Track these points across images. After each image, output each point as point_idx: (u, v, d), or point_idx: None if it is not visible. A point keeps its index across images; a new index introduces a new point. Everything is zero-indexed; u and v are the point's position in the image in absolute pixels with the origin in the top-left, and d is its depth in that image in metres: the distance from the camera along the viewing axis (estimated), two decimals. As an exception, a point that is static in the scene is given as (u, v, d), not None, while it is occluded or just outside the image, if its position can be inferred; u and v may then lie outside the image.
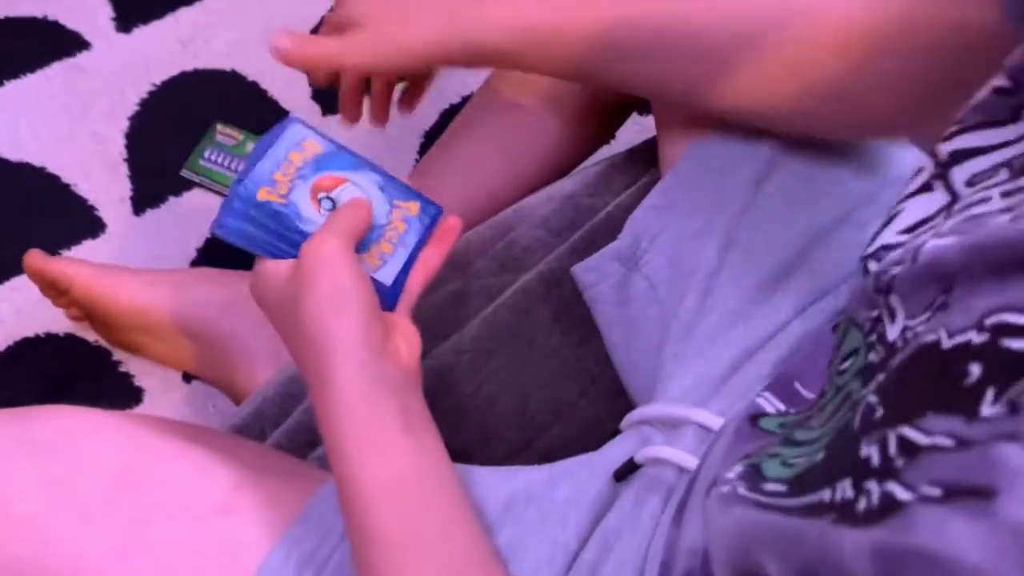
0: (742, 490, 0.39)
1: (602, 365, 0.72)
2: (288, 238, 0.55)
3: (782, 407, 0.48)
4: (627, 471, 0.55)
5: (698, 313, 0.64)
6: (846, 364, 0.44)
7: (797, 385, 0.49)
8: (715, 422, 0.55)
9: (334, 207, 0.56)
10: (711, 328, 0.63)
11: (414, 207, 0.59)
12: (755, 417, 0.47)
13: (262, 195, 0.55)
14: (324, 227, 0.54)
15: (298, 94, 1.11)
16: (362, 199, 0.56)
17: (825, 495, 0.34)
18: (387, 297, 0.56)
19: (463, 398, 0.72)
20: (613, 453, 0.58)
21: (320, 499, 0.56)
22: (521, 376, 0.73)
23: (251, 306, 0.93)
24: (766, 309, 0.62)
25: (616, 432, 0.65)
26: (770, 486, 0.39)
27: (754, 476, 0.40)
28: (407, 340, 0.54)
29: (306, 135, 0.57)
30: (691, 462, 0.53)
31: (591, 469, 0.57)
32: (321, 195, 0.56)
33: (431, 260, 0.59)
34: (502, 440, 0.72)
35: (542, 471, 0.58)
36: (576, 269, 0.72)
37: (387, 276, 0.57)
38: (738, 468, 0.41)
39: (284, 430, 0.73)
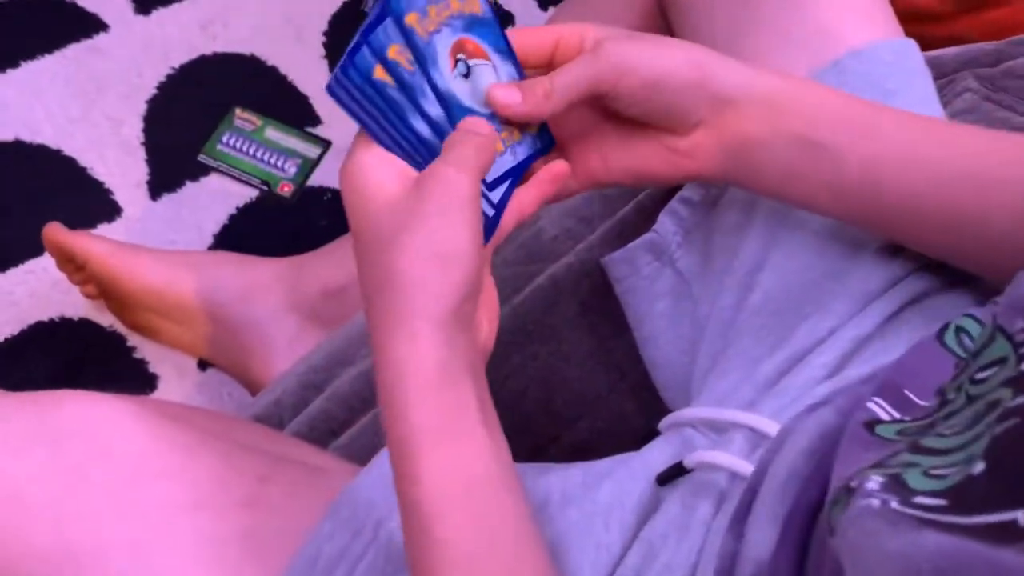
0: (895, 504, 0.36)
1: (632, 360, 0.70)
2: (413, 97, 0.49)
3: (896, 414, 0.46)
4: (674, 475, 0.53)
5: (738, 311, 0.62)
6: (986, 373, 0.42)
7: (908, 392, 0.47)
8: (769, 427, 0.52)
9: (468, 75, 0.51)
10: (754, 327, 0.61)
11: (534, 125, 0.54)
12: (871, 424, 0.45)
13: (411, 20, 0.49)
14: (460, 154, 0.47)
15: (319, 79, 1.09)
16: (492, 137, 0.50)
17: (1018, 516, 0.32)
18: (484, 226, 0.50)
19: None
20: (653, 455, 0.56)
21: (350, 493, 0.53)
22: (548, 369, 0.71)
23: (270, 293, 0.92)
24: (814, 309, 0.59)
25: (646, 428, 0.63)
26: (924, 500, 0.36)
27: (900, 488, 0.37)
28: (489, 314, 0.49)
29: None
30: (746, 468, 0.51)
31: (631, 471, 0.55)
32: (460, 56, 0.51)
33: (527, 203, 0.52)
34: (529, 434, 0.70)
35: (575, 470, 0.56)
36: (607, 260, 0.70)
37: (492, 197, 0.51)
38: (876, 478, 0.38)
39: (305, 418, 0.72)
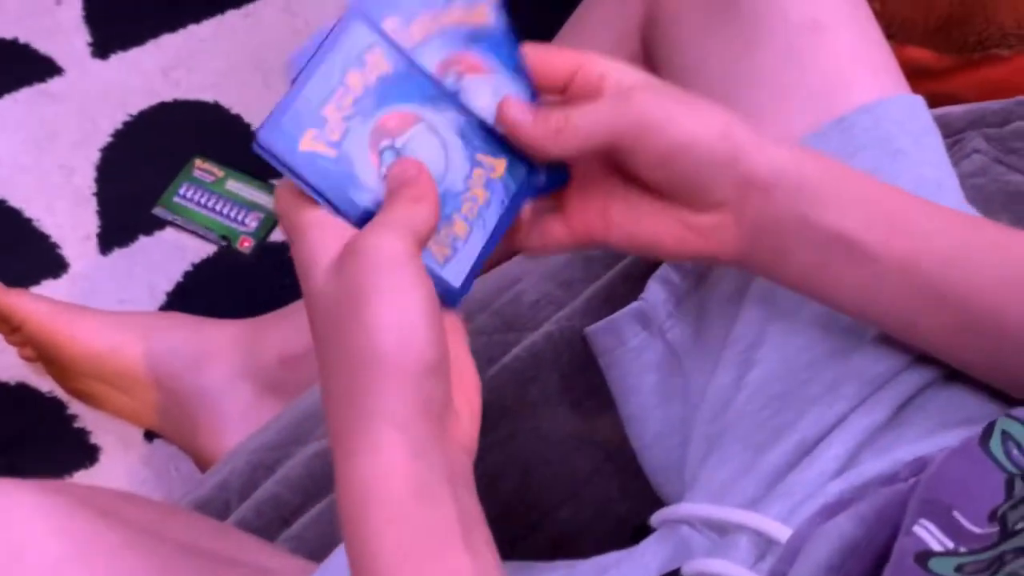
0: None
1: (618, 440, 0.65)
2: (339, 198, 0.42)
3: (949, 543, 0.40)
4: None
5: (735, 390, 0.57)
6: None
7: (958, 515, 0.41)
8: (779, 531, 0.46)
9: (458, 94, 0.45)
10: (754, 410, 0.55)
11: (500, 166, 0.46)
12: (922, 556, 0.38)
13: (306, 144, 0.42)
14: (383, 218, 0.41)
15: (285, 129, 1.03)
16: (427, 185, 0.42)
17: None
18: (449, 300, 0.44)
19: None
20: (647, 559, 0.49)
21: None
22: (526, 450, 0.65)
23: (223, 359, 0.86)
24: (820, 392, 0.54)
25: (635, 518, 0.57)
26: None
27: None
28: (467, 395, 0.42)
29: (372, 42, 0.43)
30: None
31: (624, 574, 0.48)
32: (384, 144, 0.43)
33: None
34: (505, 521, 0.63)
35: (560, 570, 0.49)
36: (590, 331, 0.65)
37: (456, 275, 0.44)
38: None
39: (254, 503, 0.65)
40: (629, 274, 0.68)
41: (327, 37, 0.43)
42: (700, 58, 0.64)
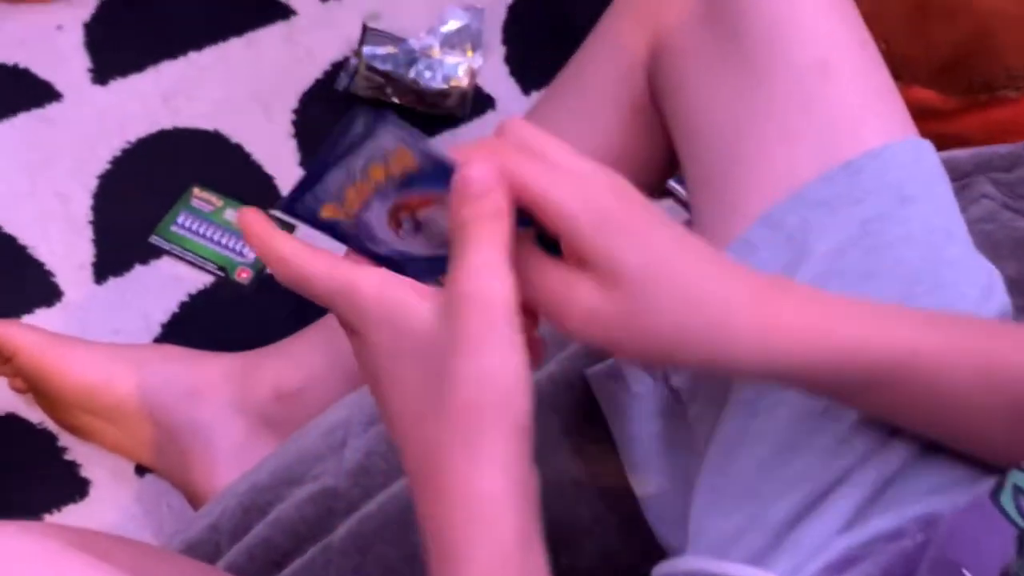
0: None
1: (620, 488, 0.63)
2: (360, 248, 0.44)
3: None
4: None
5: (740, 440, 0.55)
6: None
7: (967, 574, 0.39)
8: None
9: (417, 229, 0.44)
10: (760, 459, 0.54)
11: None
12: None
13: (327, 212, 0.43)
14: (481, 258, 0.39)
15: (285, 161, 1.02)
16: (500, 196, 0.41)
17: None
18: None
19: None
20: None
21: None
22: (525, 497, 0.63)
23: (217, 393, 0.84)
24: (830, 443, 0.52)
25: (636, 570, 0.56)
26: None
27: None
28: None
29: (397, 144, 0.43)
30: None
31: None
32: (404, 216, 0.44)
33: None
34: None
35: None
36: (592, 373, 0.63)
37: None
38: None
39: (245, 546, 0.63)
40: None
41: (350, 131, 0.43)
42: (707, 96, 0.63)
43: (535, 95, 1.07)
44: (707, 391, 0.59)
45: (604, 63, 0.71)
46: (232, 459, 0.79)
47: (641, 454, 0.61)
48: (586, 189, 0.42)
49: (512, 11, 1.11)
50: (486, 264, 0.40)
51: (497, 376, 0.38)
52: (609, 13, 0.74)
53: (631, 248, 0.42)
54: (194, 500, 0.82)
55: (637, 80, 0.69)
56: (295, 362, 0.82)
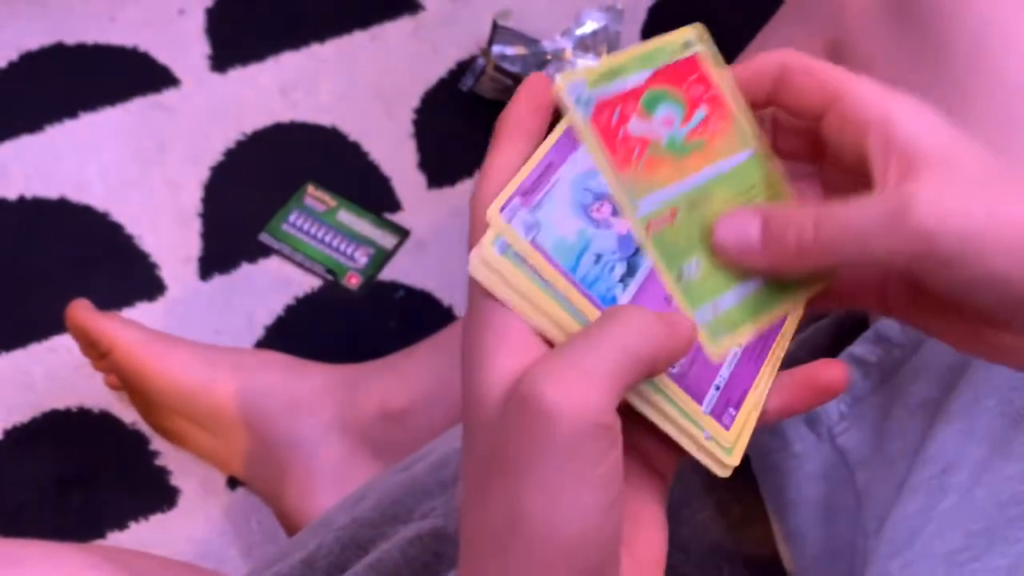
0: None
1: (768, 557, 0.55)
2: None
3: None
4: None
5: (924, 521, 0.47)
6: None
7: None
8: None
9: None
10: (945, 549, 0.45)
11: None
12: None
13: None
14: (583, 354, 0.32)
15: (403, 161, 0.96)
16: (679, 327, 0.34)
17: None
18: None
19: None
20: None
21: None
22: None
23: (320, 408, 0.78)
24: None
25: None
26: None
27: None
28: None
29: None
30: None
31: None
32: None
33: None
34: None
35: None
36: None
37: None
38: None
39: (340, 586, 0.57)
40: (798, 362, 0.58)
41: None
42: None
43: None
44: (882, 457, 0.51)
45: None
46: (331, 479, 0.74)
47: (797, 523, 0.53)
48: None
49: (653, 13, 1.04)
50: (575, 367, 0.31)
51: (536, 514, 0.30)
52: (778, 19, 0.66)
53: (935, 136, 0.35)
54: (285, 519, 0.76)
55: None
56: (403, 381, 0.76)
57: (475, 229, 0.35)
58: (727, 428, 0.37)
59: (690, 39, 0.40)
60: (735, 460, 0.37)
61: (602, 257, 0.36)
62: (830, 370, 0.37)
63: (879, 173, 0.35)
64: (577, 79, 0.37)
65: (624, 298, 0.36)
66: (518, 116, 0.36)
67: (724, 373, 0.37)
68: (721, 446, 0.37)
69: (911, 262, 0.34)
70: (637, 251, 0.36)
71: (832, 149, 0.38)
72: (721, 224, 0.37)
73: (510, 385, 0.32)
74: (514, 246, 0.35)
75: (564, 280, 0.35)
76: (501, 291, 0.34)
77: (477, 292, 0.34)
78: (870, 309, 0.40)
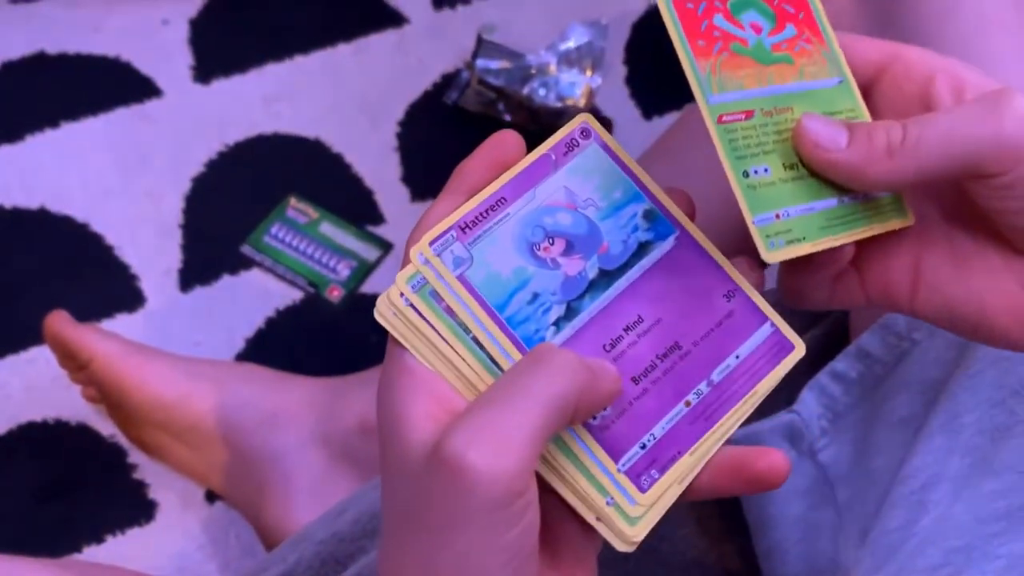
0: None
1: (749, 573, 0.55)
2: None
3: None
4: None
5: (904, 538, 0.47)
6: None
7: None
8: None
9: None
10: (925, 566, 0.45)
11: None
12: None
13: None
14: (499, 411, 0.32)
15: (387, 174, 0.96)
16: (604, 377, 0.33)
17: None
18: None
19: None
20: None
21: None
22: (642, 574, 0.55)
23: (298, 421, 0.78)
24: (1015, 552, 0.44)
25: None
26: None
27: None
28: None
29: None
30: None
31: None
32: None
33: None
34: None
35: None
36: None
37: None
38: None
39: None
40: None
41: None
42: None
43: (657, 120, 1.00)
44: (863, 473, 0.51)
45: None
46: (310, 493, 0.73)
47: (778, 539, 0.53)
48: None
49: (636, 29, 1.04)
50: (494, 424, 0.31)
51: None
52: None
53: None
54: (264, 533, 0.76)
55: None
56: (384, 394, 0.75)
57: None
58: (643, 490, 0.35)
59: None
60: (640, 532, 0.35)
61: (539, 297, 0.35)
62: (767, 458, 0.35)
63: (949, 104, 0.35)
64: None
65: (554, 341, 0.35)
66: (472, 169, 0.35)
67: (656, 432, 0.35)
68: (625, 514, 0.34)
69: (1001, 157, 0.33)
70: (584, 295, 0.36)
71: (884, 104, 0.37)
72: (809, 118, 0.35)
73: (428, 442, 0.32)
74: (435, 283, 0.34)
75: (489, 319, 0.34)
76: (403, 337, 0.34)
77: (392, 338, 0.35)
78: (894, 300, 0.37)
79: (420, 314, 0.34)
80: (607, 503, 0.34)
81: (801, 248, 0.36)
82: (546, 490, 0.35)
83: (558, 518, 0.35)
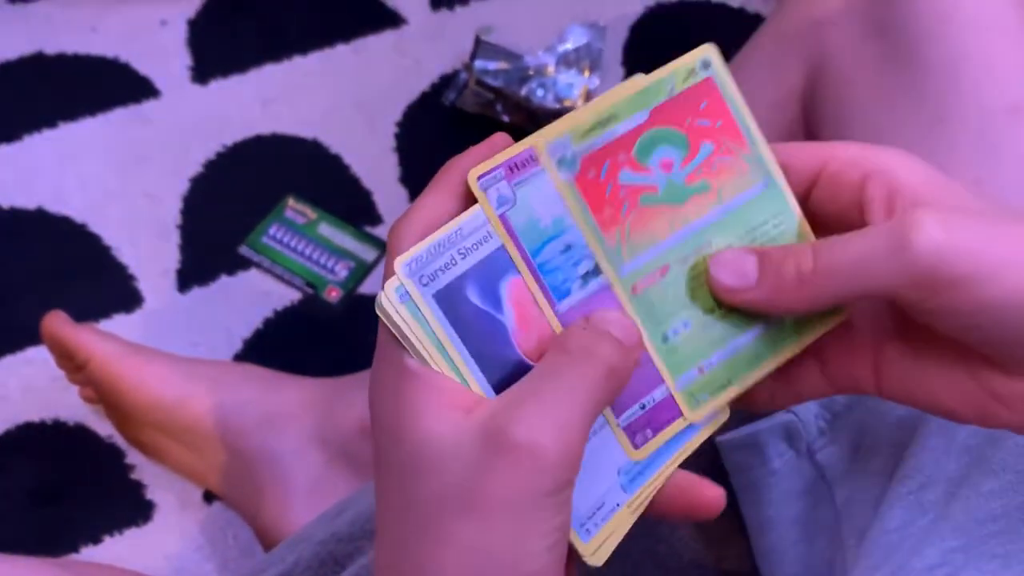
0: None
1: (750, 573, 0.55)
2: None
3: None
4: None
5: (902, 538, 0.47)
6: None
7: None
8: None
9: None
10: (923, 566, 0.45)
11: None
12: None
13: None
14: (548, 398, 0.32)
15: (385, 175, 0.96)
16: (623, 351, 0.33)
17: None
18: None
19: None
20: None
21: None
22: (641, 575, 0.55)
23: (297, 422, 0.78)
24: (1011, 552, 0.44)
25: None
26: None
27: None
28: None
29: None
30: None
31: None
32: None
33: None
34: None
35: None
36: (724, 441, 0.55)
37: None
38: None
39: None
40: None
41: None
42: (874, 131, 0.55)
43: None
44: (860, 474, 0.51)
45: (755, 90, 0.63)
46: (308, 494, 0.73)
47: (775, 540, 0.53)
48: None
49: (634, 31, 1.04)
50: (545, 411, 0.32)
51: (498, 557, 0.31)
52: (761, 35, 0.66)
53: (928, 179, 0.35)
54: (262, 534, 0.76)
55: (792, 110, 0.61)
56: (383, 394, 0.75)
57: (391, 259, 0.34)
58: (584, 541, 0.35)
59: (708, 58, 0.37)
60: (598, 560, 0.35)
61: (571, 248, 0.35)
62: (711, 490, 0.37)
63: (879, 216, 0.35)
64: (560, 136, 0.34)
65: (579, 295, 0.35)
66: (463, 168, 0.35)
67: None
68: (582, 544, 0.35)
69: (916, 287, 0.33)
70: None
71: (821, 211, 0.37)
72: (716, 261, 0.36)
73: (467, 429, 0.32)
74: (415, 300, 0.33)
75: (523, 263, 0.34)
76: (405, 332, 0.33)
77: (384, 336, 0.34)
78: (860, 387, 0.38)
79: (415, 310, 0.34)
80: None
81: (728, 394, 0.36)
82: None
83: None
